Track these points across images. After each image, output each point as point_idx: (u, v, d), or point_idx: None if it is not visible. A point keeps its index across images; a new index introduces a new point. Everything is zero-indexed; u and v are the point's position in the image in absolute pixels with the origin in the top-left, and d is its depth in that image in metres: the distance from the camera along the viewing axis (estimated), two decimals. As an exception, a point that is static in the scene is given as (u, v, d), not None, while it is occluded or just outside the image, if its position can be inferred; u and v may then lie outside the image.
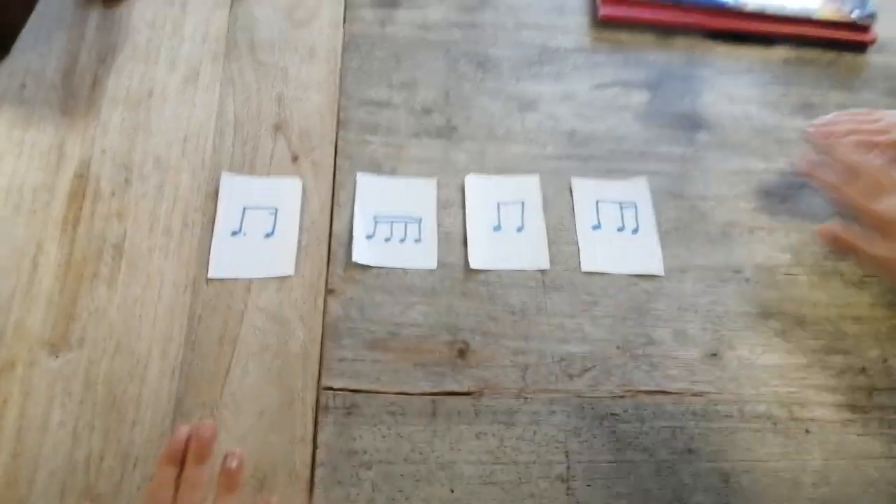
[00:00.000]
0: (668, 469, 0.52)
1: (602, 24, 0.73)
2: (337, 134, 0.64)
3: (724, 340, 0.57)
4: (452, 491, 0.49)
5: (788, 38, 0.75)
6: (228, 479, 0.42)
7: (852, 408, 0.55)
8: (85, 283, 0.54)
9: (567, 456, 0.51)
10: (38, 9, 0.65)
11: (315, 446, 0.50)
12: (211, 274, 0.55)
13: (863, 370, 0.57)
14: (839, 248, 0.48)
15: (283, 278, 0.56)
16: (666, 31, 0.73)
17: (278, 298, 0.55)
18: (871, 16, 0.75)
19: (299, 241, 0.57)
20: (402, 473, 0.49)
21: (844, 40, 0.75)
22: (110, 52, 0.65)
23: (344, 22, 0.70)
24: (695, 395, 0.55)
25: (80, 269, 0.55)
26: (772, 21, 0.74)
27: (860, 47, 0.75)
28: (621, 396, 0.54)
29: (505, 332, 0.56)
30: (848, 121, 0.60)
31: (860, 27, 0.75)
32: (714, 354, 0.56)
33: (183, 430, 0.43)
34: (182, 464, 0.42)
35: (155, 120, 0.62)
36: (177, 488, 0.41)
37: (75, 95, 0.62)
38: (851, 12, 0.75)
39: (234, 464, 0.42)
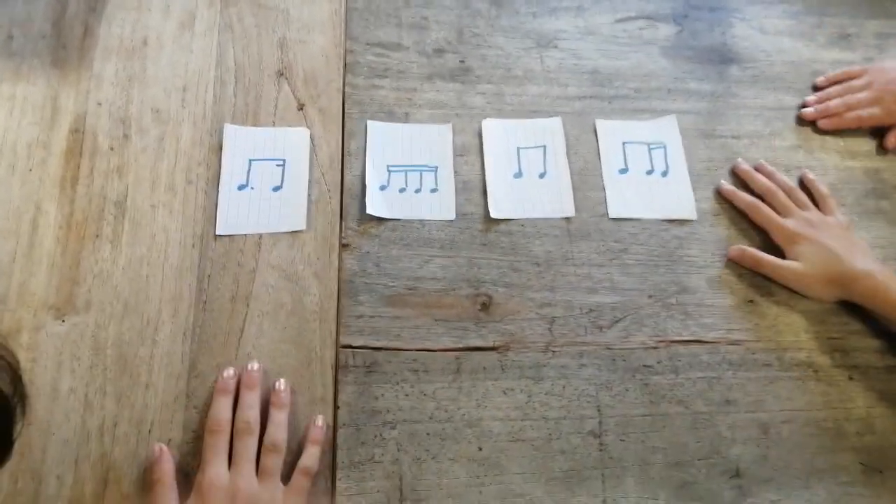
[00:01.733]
0: (705, 421, 0.49)
1: (624, -48, 0.68)
2: (344, 79, 0.60)
3: (761, 286, 0.54)
4: (480, 449, 0.47)
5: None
6: (277, 398, 0.47)
7: (897, 353, 0.53)
8: (87, 244, 0.52)
9: (599, 410, 0.49)
10: (22, -46, 0.61)
11: (336, 406, 0.48)
12: (219, 230, 0.52)
13: (907, 314, 0.54)
14: (747, 263, 0.54)
15: (294, 233, 0.53)
16: (692, -42, 0.68)
17: (290, 254, 0.52)
18: None
19: (310, 194, 0.54)
20: (428, 432, 0.47)
21: None
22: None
23: (347, -42, 0.65)
24: (731, 343, 0.52)
25: (82, 230, 0.52)
26: None
27: (901, -30, 0.70)
28: (654, 347, 0.51)
29: (530, 283, 0.53)
30: (837, 91, 0.63)
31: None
32: (751, 301, 0.54)
33: (230, 369, 0.48)
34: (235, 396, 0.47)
35: (151, 70, 0.58)
36: (233, 414, 0.46)
37: (66, 46, 0.58)
38: None
39: (281, 385, 0.47)
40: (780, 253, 0.55)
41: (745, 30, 0.66)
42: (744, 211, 0.57)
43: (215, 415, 0.45)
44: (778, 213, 0.56)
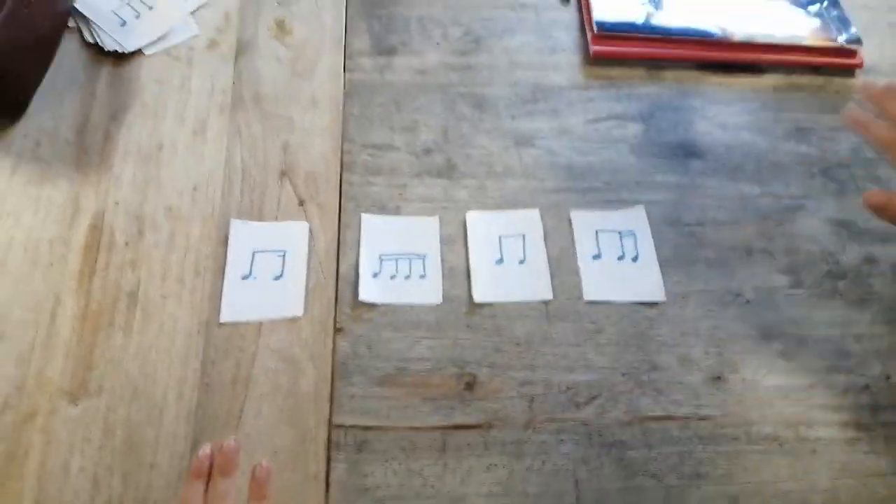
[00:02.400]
0: (678, 494, 0.52)
1: (593, 61, 0.75)
2: (341, 177, 0.66)
3: (727, 363, 0.58)
4: (465, 524, 0.50)
5: (777, 66, 0.77)
6: (258, 488, 0.43)
7: (858, 426, 0.56)
8: (101, 333, 0.56)
9: (577, 485, 0.52)
10: (51, 70, 0.69)
11: (328, 484, 0.51)
12: (223, 318, 0.57)
13: (866, 388, 0.57)
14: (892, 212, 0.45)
15: (292, 319, 0.57)
16: (656, 64, 0.76)
17: (289, 339, 0.56)
18: (857, 39, 0.77)
19: (307, 282, 0.59)
20: (415, 508, 0.50)
21: (833, 65, 0.77)
22: (121, 108, 0.67)
23: (344, 71, 0.73)
24: (700, 419, 0.55)
25: (97, 319, 0.57)
26: (760, 50, 0.77)
27: (848, 71, 0.77)
28: (628, 423, 0.55)
29: (511, 363, 0.57)
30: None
31: (847, 51, 0.77)
32: (718, 378, 0.57)
33: (206, 447, 0.44)
34: (209, 478, 0.43)
35: (165, 172, 0.64)
36: (205, 502, 0.42)
37: (88, 151, 0.65)
38: (837, 37, 0.77)
39: (262, 473, 0.43)
40: None
41: (707, 126, 0.73)
42: (880, 145, 0.47)
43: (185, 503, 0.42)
44: None
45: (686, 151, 0.71)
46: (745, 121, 0.74)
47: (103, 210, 0.62)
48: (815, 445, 0.55)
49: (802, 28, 0.78)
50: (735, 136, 0.72)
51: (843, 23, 0.78)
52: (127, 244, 0.60)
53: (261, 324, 0.57)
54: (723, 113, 0.74)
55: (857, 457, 0.54)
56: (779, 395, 0.57)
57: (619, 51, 0.75)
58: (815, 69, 0.77)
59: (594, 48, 0.75)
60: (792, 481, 0.53)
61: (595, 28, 0.76)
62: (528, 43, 0.77)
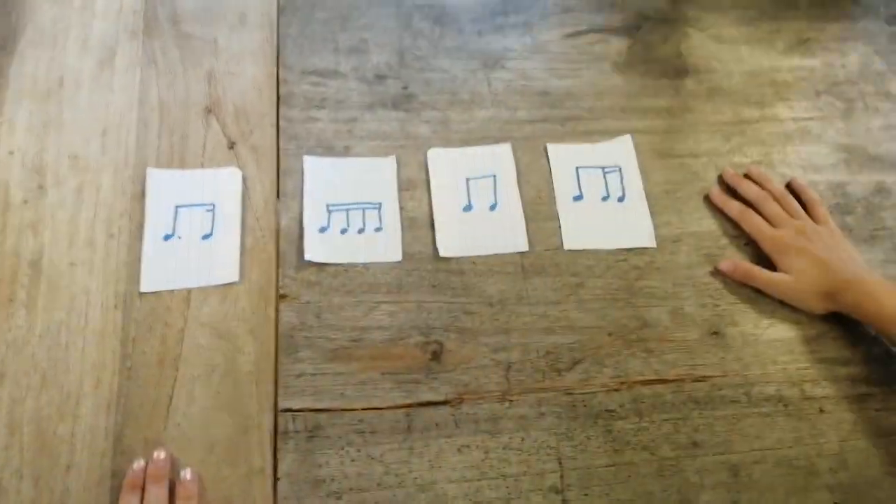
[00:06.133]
0: (672, 467, 0.46)
1: (571, -37, 0.64)
2: (278, 112, 0.56)
3: (725, 316, 0.52)
4: (435, 514, 0.44)
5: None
6: (185, 491, 0.43)
7: (868, 380, 0.50)
8: (0, 311, 0.47)
9: (560, 463, 0.46)
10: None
11: (276, 478, 0.44)
12: (143, 287, 0.48)
13: (877, 336, 0.52)
14: (739, 277, 0.53)
15: (226, 286, 0.49)
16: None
17: (223, 310, 0.48)
18: None
19: (243, 242, 0.51)
20: (377, 501, 0.44)
21: None
22: (10, 36, 0.56)
23: (278, -19, 0.61)
24: (696, 380, 0.49)
25: (-6, 294, 0.48)
26: None
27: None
28: (616, 389, 0.49)
29: (483, 327, 0.50)
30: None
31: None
32: (715, 333, 0.51)
33: (140, 461, 0.44)
34: (143, 491, 0.43)
35: (68, 113, 0.54)
36: None
37: (-28, 90, 0.54)
38: None
39: (188, 475, 0.43)
40: (771, 263, 0.52)
41: (701, 39, 0.64)
42: (735, 220, 0.55)
43: None
44: (769, 222, 0.53)
45: (677, 70, 0.62)
46: (742, 32, 0.65)
47: (-6, 161, 0.52)
48: (822, 404, 0.49)
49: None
50: (732, 52, 0.63)
51: None
52: (25, 202, 0.51)
53: (189, 292, 0.49)
54: (718, 23, 0.65)
55: (869, 415, 0.49)
56: (782, 349, 0.51)
57: None
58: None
59: None
60: (798, 446, 0.48)
61: None
62: (495, -57, 0.66)
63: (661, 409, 0.48)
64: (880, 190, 0.58)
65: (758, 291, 0.53)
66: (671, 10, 0.65)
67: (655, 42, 0.63)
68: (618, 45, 0.62)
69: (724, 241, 0.55)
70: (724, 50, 0.63)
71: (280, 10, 0.60)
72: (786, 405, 0.49)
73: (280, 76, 0.57)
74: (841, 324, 0.52)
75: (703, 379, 0.49)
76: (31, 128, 0.53)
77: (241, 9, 0.59)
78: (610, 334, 0.50)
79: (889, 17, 0.67)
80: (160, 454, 0.43)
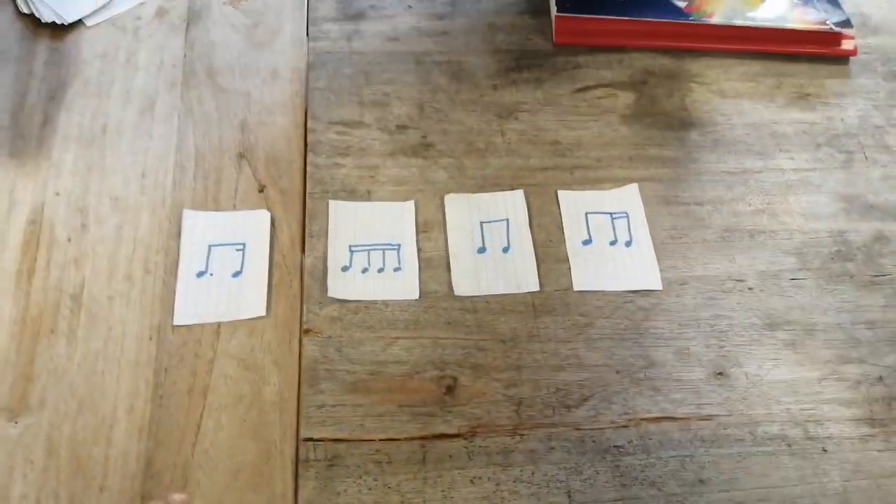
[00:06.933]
0: (679, 503, 0.48)
1: (581, 23, 0.69)
2: (305, 159, 0.60)
3: (730, 357, 0.53)
4: (447, 543, 0.46)
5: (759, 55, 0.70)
6: None
7: (871, 421, 0.52)
8: (42, 340, 0.50)
9: (569, 496, 0.48)
10: (-17, 45, 0.62)
11: (296, 504, 0.46)
12: (177, 320, 0.52)
13: (880, 379, 0.53)
14: None
15: (254, 320, 0.52)
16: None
17: (250, 343, 0.51)
18: (846, 21, 0.70)
19: (270, 279, 0.54)
20: (392, 528, 0.46)
21: (822, 53, 0.70)
22: (60, 87, 0.61)
23: (307, 39, 0.66)
24: (702, 419, 0.51)
25: (37, 325, 0.51)
26: (739, 35, 0.69)
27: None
28: (624, 426, 0.50)
29: (495, 363, 0.52)
30: None
31: (839, 37, 0.70)
32: (720, 373, 0.53)
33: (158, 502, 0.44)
34: None
35: (110, 157, 0.58)
36: None
37: (24, 135, 0.58)
38: (825, 21, 0.70)
39: None
40: None
41: (705, 94, 0.67)
42: None
43: None
44: None
45: (682, 122, 0.65)
46: (745, 87, 0.68)
47: (42, 202, 0.56)
48: (825, 444, 0.51)
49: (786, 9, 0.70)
50: (735, 105, 0.67)
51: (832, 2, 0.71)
52: (69, 239, 0.54)
53: (219, 326, 0.52)
54: (720, 78, 0.68)
55: (871, 455, 0.50)
56: (786, 390, 0.52)
57: (585, 41, 0.68)
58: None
59: (558, 38, 0.68)
60: (802, 485, 0.49)
61: (555, 8, 0.68)
62: (510, 4, 0.70)
63: (669, 447, 0.50)
64: (879, 238, 0.60)
65: (764, 331, 0.54)
66: (675, 67, 0.68)
67: (660, 96, 0.66)
68: (624, 98, 0.66)
69: (729, 284, 0.57)
70: (726, 104, 0.67)
71: (309, 67, 0.64)
72: (789, 445, 0.50)
73: (308, 126, 0.61)
74: (843, 365, 0.53)
75: (709, 418, 0.51)
76: (76, 171, 0.57)
77: (273, 65, 0.64)
78: (618, 372, 0.52)
79: (886, 73, 0.70)
80: (181, 498, 0.43)
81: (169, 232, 0.55)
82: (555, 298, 0.55)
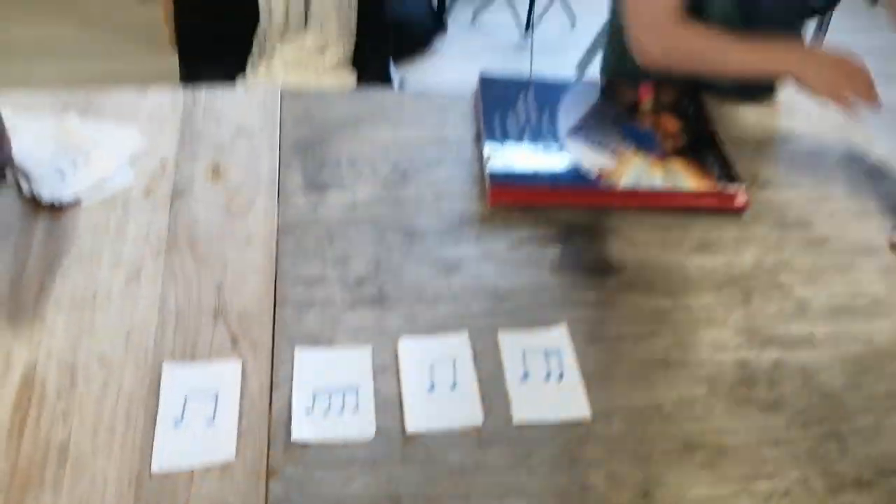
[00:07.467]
0: None
1: (512, 187, 0.81)
2: (274, 313, 0.68)
3: (653, 479, 0.60)
4: None
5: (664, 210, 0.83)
6: None
7: (783, 532, 0.58)
8: (30, 493, 0.55)
9: None
10: (-12, 221, 0.71)
11: None
12: (154, 468, 0.57)
13: (787, 493, 0.60)
14: None
15: (224, 465, 0.57)
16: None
17: (220, 487, 0.56)
18: (737, 179, 0.84)
19: (240, 425, 0.60)
20: None
21: (718, 208, 0.83)
22: (56, 259, 0.69)
23: (278, 208, 0.76)
24: (633, 538, 0.57)
25: (25, 478, 0.56)
26: (644, 197, 0.82)
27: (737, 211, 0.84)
28: (562, 548, 0.56)
29: (445, 494, 0.58)
30: None
31: (731, 195, 0.84)
32: (646, 493, 0.59)
33: None
34: None
35: (99, 320, 0.65)
36: None
37: (21, 303, 0.66)
38: (724, 188, 0.83)
39: None
40: None
41: (620, 244, 0.78)
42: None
43: None
44: None
45: (602, 269, 0.75)
46: (655, 237, 0.80)
47: (35, 362, 0.62)
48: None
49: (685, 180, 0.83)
50: (646, 252, 0.78)
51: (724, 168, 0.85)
52: (59, 396, 0.60)
53: (193, 472, 0.57)
54: (634, 229, 0.80)
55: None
56: (701, 509, 0.59)
57: (516, 201, 0.80)
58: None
59: (492, 200, 0.80)
60: None
61: (489, 179, 0.81)
62: (453, 175, 0.82)
63: (603, 565, 0.55)
64: (778, 366, 0.69)
65: (682, 453, 0.61)
66: (595, 221, 0.80)
67: (583, 247, 0.77)
68: (552, 250, 0.76)
69: (649, 411, 0.64)
70: (639, 251, 0.77)
71: (279, 232, 0.74)
72: (711, 558, 0.56)
73: (277, 284, 0.70)
74: (754, 482, 0.60)
75: (638, 537, 0.57)
76: (67, 334, 0.64)
77: (247, 232, 0.73)
78: (557, 497, 0.58)
79: (774, 223, 0.83)
80: None
81: (150, 385, 0.61)
82: (498, 430, 0.62)
